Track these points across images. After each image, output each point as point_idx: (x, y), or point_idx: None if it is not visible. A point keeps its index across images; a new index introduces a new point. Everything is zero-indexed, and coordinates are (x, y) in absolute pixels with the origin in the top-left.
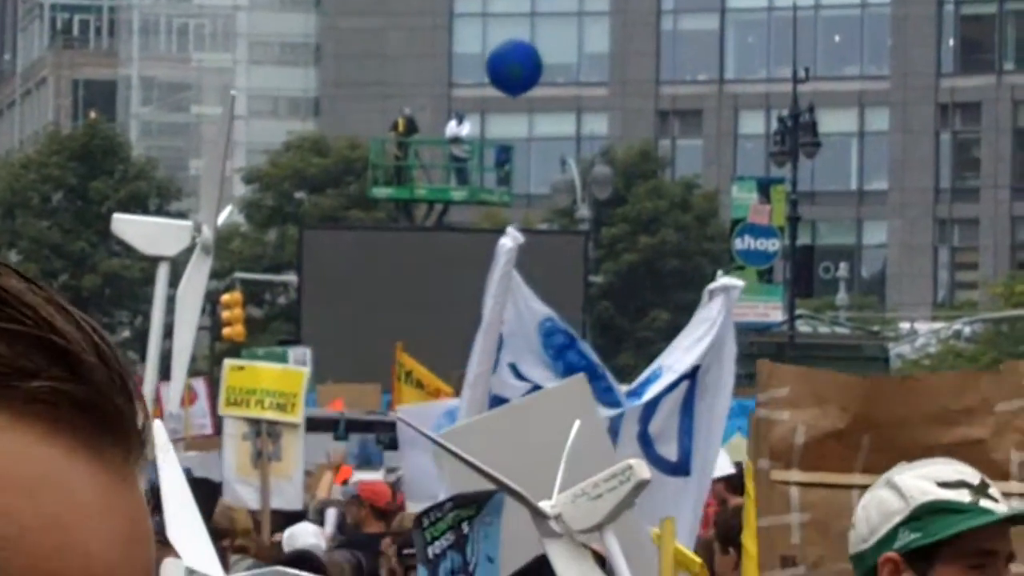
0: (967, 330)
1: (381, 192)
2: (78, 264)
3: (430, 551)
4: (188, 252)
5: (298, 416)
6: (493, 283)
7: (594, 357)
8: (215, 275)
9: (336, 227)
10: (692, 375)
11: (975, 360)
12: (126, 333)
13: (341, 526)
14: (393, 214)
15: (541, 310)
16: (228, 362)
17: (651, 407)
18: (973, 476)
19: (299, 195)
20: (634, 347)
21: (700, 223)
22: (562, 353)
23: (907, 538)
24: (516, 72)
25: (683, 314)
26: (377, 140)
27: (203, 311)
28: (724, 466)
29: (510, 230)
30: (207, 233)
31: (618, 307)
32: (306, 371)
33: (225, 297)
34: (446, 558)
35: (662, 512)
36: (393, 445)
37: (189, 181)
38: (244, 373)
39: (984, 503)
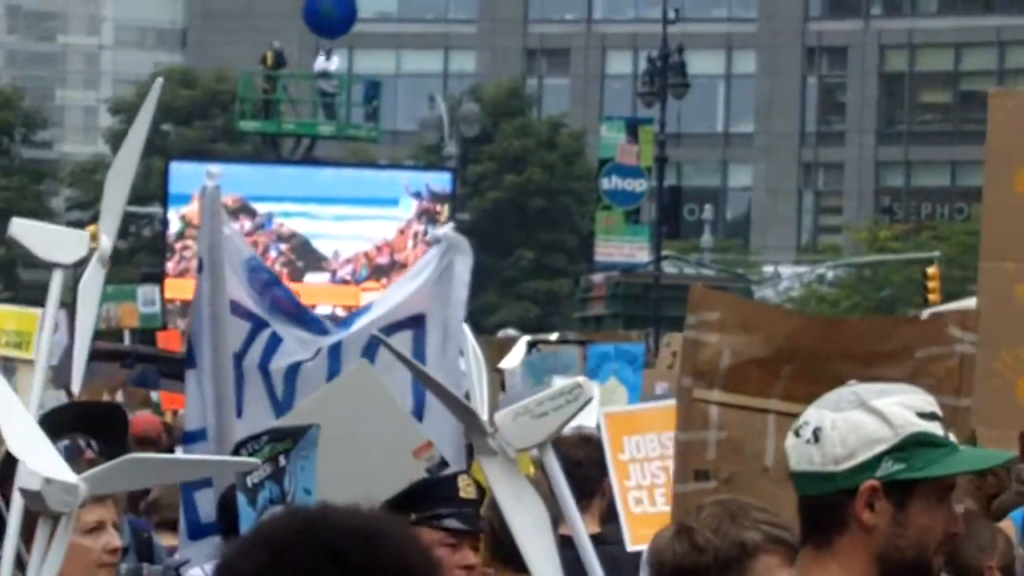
0: (830, 274)
1: (248, 125)
2: None
3: (249, 480)
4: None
5: (32, 354)
6: (205, 223)
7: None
8: (79, 206)
9: (202, 159)
10: (419, 324)
11: (837, 304)
12: None
13: None
14: (260, 148)
15: (246, 249)
16: None
17: (371, 352)
18: (936, 406)
19: (165, 127)
20: (498, 285)
21: (566, 163)
22: (268, 288)
23: (890, 468)
24: (330, 13)
25: (548, 253)
26: (245, 73)
27: None
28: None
29: (209, 169)
30: (106, 244)
31: (483, 245)
32: (39, 312)
33: (90, 228)
34: (264, 488)
35: None
36: (171, 374)
37: (55, 111)
38: None
39: (951, 436)
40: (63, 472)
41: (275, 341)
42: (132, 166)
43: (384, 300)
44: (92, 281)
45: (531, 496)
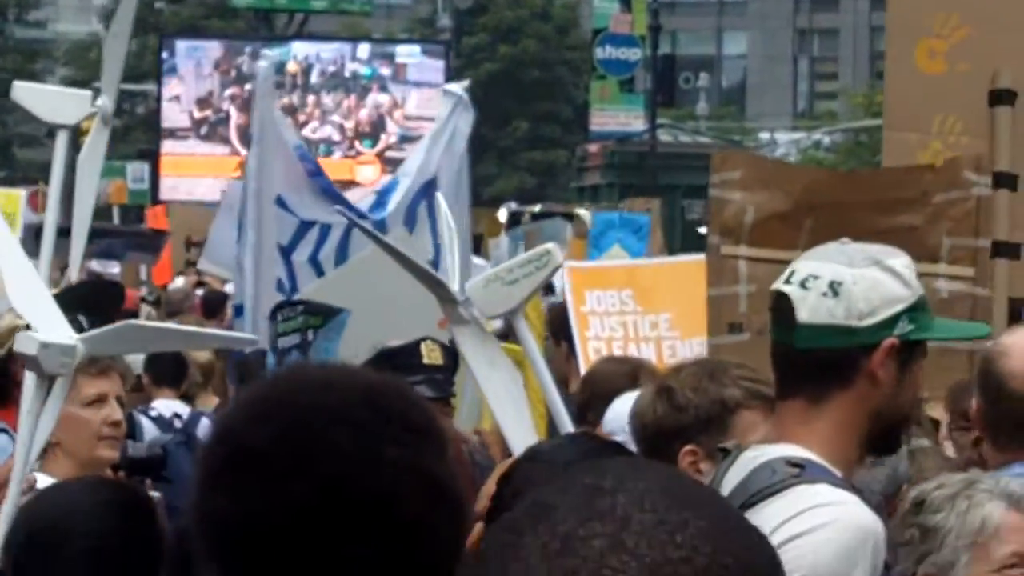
0: (827, 140)
1: (241, 1)
2: None
3: (281, 342)
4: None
5: (17, 232)
6: (258, 104)
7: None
8: (75, 84)
9: (196, 36)
10: (431, 187)
11: (834, 170)
12: None
13: None
14: (253, 24)
15: (294, 136)
16: None
17: (412, 215)
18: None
19: (159, 4)
20: (496, 156)
21: (561, 33)
22: (315, 177)
23: (905, 327)
24: None
25: (543, 124)
26: None
27: None
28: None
29: (263, 52)
30: (107, 103)
31: (479, 117)
32: (22, 193)
33: (86, 123)
34: (291, 354)
35: None
36: (138, 247)
37: None
38: None
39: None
40: (61, 334)
41: (325, 232)
42: (128, 23)
43: (406, 171)
44: (97, 141)
45: (503, 361)
